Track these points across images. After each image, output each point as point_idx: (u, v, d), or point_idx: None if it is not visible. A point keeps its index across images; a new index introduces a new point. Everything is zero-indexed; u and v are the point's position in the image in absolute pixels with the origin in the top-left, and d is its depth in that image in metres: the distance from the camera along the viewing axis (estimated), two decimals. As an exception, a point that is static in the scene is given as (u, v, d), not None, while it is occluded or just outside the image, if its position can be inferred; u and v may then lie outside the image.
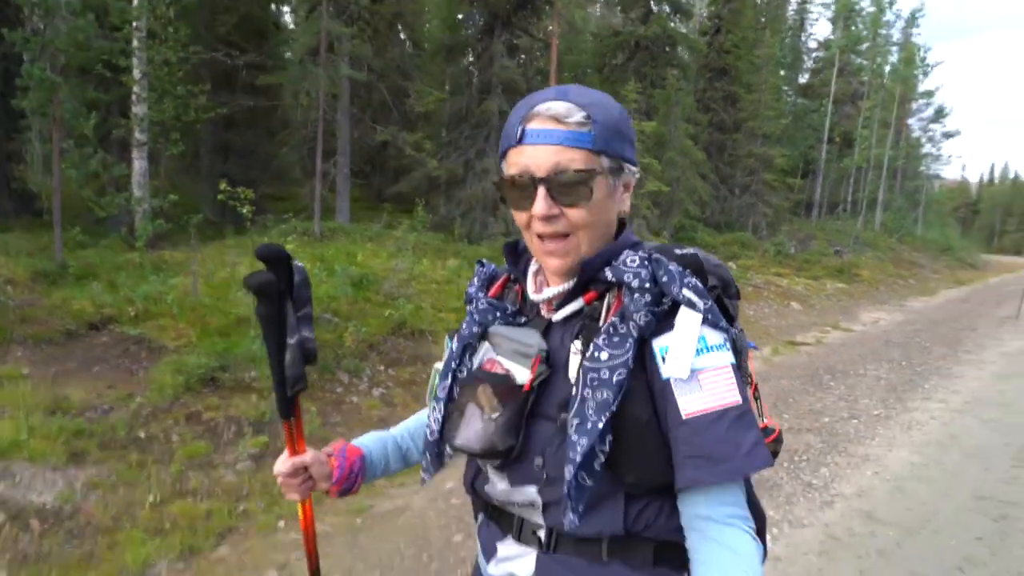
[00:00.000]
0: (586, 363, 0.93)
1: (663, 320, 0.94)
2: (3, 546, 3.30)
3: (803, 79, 23.47)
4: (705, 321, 0.93)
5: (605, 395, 0.91)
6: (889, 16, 22.28)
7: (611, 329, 0.94)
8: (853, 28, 21.50)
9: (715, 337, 0.94)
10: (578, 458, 0.90)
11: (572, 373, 0.97)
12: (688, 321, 0.92)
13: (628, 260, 0.97)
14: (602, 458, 0.92)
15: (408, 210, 11.53)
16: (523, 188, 0.96)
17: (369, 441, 1.23)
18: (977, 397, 6.41)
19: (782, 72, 21.33)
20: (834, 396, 6.33)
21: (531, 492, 1.01)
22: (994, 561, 3.33)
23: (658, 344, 0.93)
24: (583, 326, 1.00)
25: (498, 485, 1.05)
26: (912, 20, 22.83)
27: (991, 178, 68.82)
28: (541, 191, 0.94)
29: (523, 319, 1.07)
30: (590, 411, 0.91)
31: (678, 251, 1.00)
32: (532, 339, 1.01)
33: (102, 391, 5.01)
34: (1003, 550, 3.46)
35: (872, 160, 22.04)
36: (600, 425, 0.90)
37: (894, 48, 23.90)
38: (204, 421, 4.71)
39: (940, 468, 4.59)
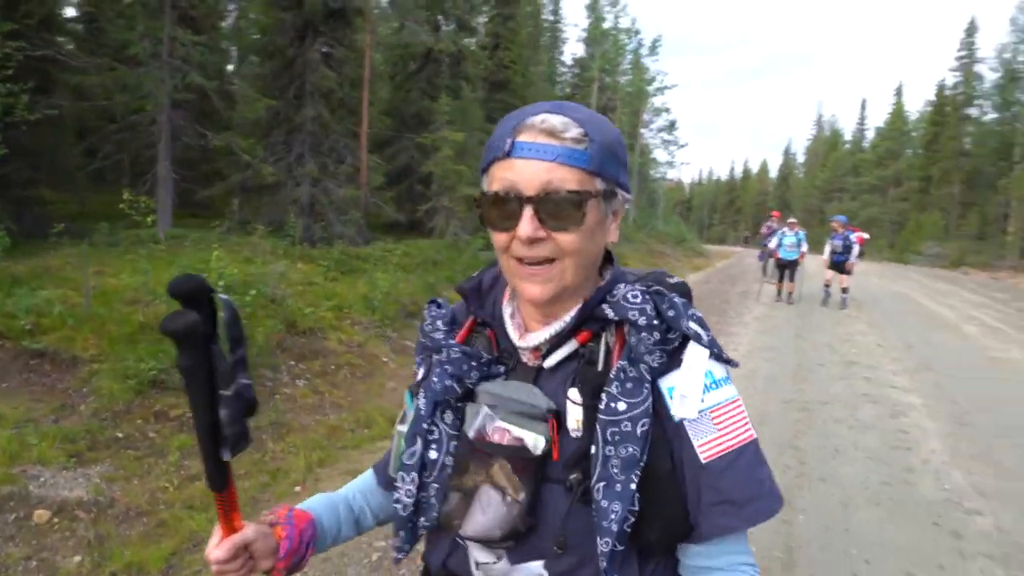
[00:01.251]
0: (603, 416, 0.87)
1: (671, 358, 0.90)
2: (64, 536, 3.76)
3: (562, 93, 26.87)
4: (711, 355, 0.91)
5: (631, 450, 0.85)
6: (633, 44, 26.84)
7: (623, 374, 0.88)
8: (606, 51, 25.43)
9: (720, 371, 0.92)
10: (614, 527, 0.84)
11: (572, 424, 0.90)
12: (696, 357, 0.90)
13: (629, 295, 0.91)
14: (631, 520, 0.86)
15: (220, 215, 11.70)
16: (507, 206, 0.88)
17: (317, 505, 1.08)
18: (754, 346, 8.98)
19: (550, 87, 24.35)
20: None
21: (536, 568, 0.92)
22: (810, 434, 5.40)
23: (665, 384, 0.90)
24: (577, 371, 0.93)
25: (490, 563, 0.95)
26: (652, 48, 27.54)
27: (700, 179, 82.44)
28: (528, 211, 0.86)
29: (502, 369, 0.98)
30: (615, 470, 0.85)
31: (670, 280, 0.97)
32: (536, 398, 0.92)
33: (31, 404, 5.19)
34: (813, 429, 5.57)
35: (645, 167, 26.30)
36: (632, 486, 0.85)
37: (630, 69, 28.45)
38: (174, 418, 5.19)
39: (754, 388, 6.75)
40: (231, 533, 0.93)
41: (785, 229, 13.20)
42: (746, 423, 0.91)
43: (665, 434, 0.89)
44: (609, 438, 0.86)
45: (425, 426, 0.96)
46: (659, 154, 34.29)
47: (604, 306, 0.92)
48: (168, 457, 4.65)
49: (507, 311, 0.99)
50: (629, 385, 0.87)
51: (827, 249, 13.16)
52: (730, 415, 0.90)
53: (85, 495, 4.08)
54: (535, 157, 0.86)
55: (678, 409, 0.89)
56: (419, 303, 9.85)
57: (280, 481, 4.61)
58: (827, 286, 13.42)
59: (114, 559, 3.50)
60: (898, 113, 47.08)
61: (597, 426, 0.87)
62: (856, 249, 12.81)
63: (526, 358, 0.97)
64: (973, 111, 37.68)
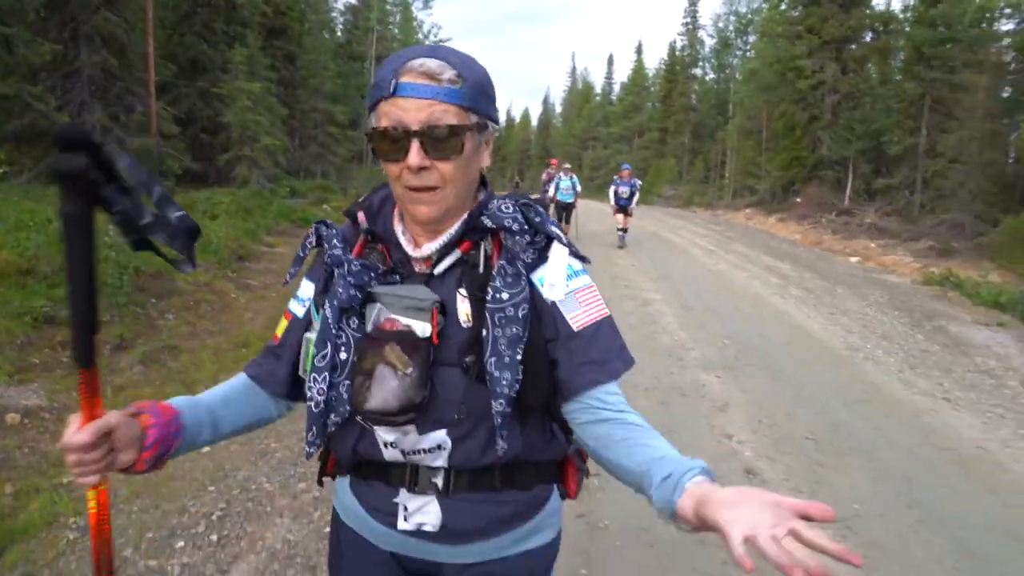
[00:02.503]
0: (490, 305, 1.05)
1: (539, 255, 1.11)
2: (39, 431, 4.72)
3: (337, 41, 27.25)
4: (570, 252, 1.14)
5: (515, 330, 1.05)
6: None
7: (504, 271, 1.07)
8: (382, 1, 26.28)
9: (576, 264, 1.14)
10: (506, 391, 1.03)
11: (463, 318, 1.08)
12: (559, 253, 1.12)
13: (502, 207, 1.10)
14: (517, 386, 1.04)
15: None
16: (396, 140, 1.00)
17: (181, 403, 1.09)
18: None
19: (327, 35, 24.69)
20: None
21: (440, 435, 1.09)
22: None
23: (536, 276, 1.10)
24: (463, 274, 1.11)
25: (401, 439, 1.11)
26: (426, 2, 28.91)
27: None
28: (415, 144, 0.99)
29: (397, 278, 1.12)
30: (504, 347, 1.04)
31: (529, 198, 1.16)
32: (421, 293, 1.08)
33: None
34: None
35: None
36: (518, 357, 1.04)
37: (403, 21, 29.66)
38: (81, 345, 5.99)
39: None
40: (93, 419, 0.91)
41: (561, 174, 14.68)
42: (602, 303, 1.13)
43: (541, 316, 1.09)
44: (497, 322, 1.04)
45: (334, 331, 1.06)
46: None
47: (483, 217, 1.09)
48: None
49: (399, 228, 1.13)
50: (509, 279, 1.06)
51: (612, 194, 14.27)
52: (590, 296, 1.12)
53: (42, 403, 4.95)
54: (417, 96, 0.98)
55: (549, 293, 1.09)
56: (246, 247, 10.73)
57: (195, 389, 5.72)
58: (620, 229, 14.47)
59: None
60: (639, 70, 53.35)
61: (486, 314, 1.04)
62: (637, 195, 14.45)
63: (418, 267, 1.12)
64: (697, 71, 44.50)
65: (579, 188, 14.62)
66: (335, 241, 1.13)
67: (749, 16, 37.50)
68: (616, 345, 1.13)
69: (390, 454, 1.14)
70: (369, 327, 1.09)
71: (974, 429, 4.79)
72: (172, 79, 16.13)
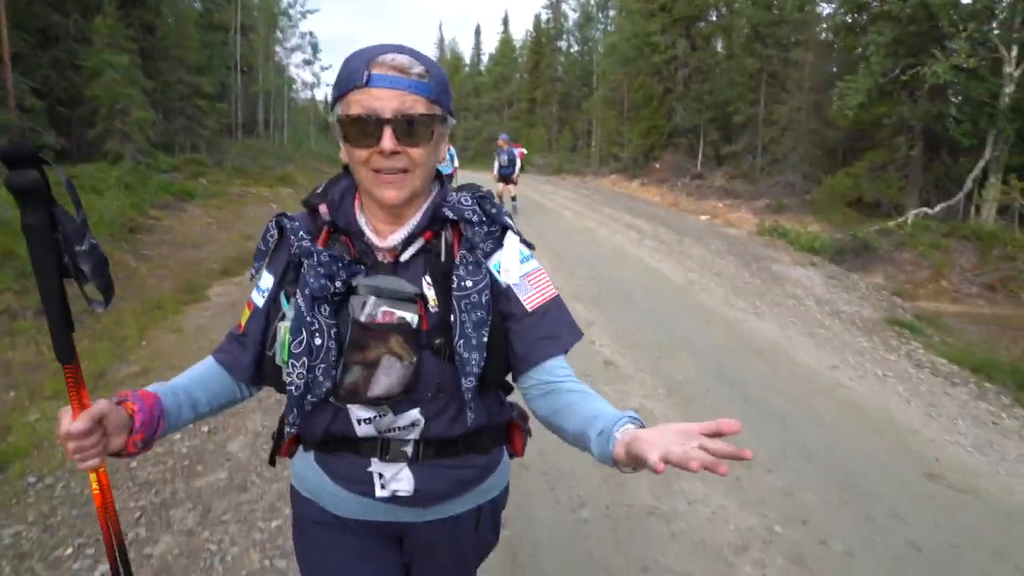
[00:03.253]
0: (456, 292, 1.16)
1: (495, 242, 1.24)
2: None
3: (202, 7, 26.42)
4: (520, 240, 1.27)
5: (480, 314, 1.17)
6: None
7: (466, 260, 1.18)
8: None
9: (526, 250, 1.27)
10: (476, 369, 1.16)
11: (431, 305, 1.19)
12: (512, 240, 1.25)
13: (462, 200, 1.23)
14: (483, 365, 1.17)
15: None
16: (367, 126, 1.10)
17: (159, 389, 1.19)
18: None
19: (187, 3, 23.93)
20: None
21: (414, 414, 1.21)
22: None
23: (491, 262, 1.22)
24: (427, 263, 1.21)
25: (378, 419, 1.21)
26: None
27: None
28: (388, 130, 1.09)
29: (362, 267, 1.21)
30: (470, 330, 1.16)
31: (482, 190, 1.29)
32: (402, 285, 1.19)
33: None
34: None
35: (273, 88, 27.29)
36: (485, 339, 1.17)
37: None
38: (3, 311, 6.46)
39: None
40: (82, 409, 0.99)
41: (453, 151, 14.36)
42: (550, 284, 1.28)
43: (497, 298, 1.22)
44: (463, 308, 1.16)
45: (308, 319, 1.14)
46: (305, 74, 35.58)
47: (444, 209, 1.21)
48: (27, 335, 6.08)
49: (362, 219, 1.23)
50: (471, 267, 1.18)
51: (496, 164, 14.41)
52: (540, 279, 1.27)
53: (-11, 360, 5.49)
54: (390, 87, 1.08)
55: (505, 277, 1.22)
56: (135, 220, 10.98)
57: (123, 348, 6.35)
58: (500, 197, 15.29)
59: (42, 388, 5.18)
60: (506, 41, 54.60)
61: (453, 301, 1.16)
62: (519, 163, 14.53)
63: (381, 256, 1.22)
64: (562, 44, 46.36)
65: (456, 160, 14.50)
66: (301, 233, 1.19)
67: (609, -9, 39.60)
68: (565, 321, 1.27)
69: (364, 430, 1.22)
70: (363, 318, 1.16)
71: (772, 332, 6.43)
72: (26, 51, 15.49)
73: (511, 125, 45.97)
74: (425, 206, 1.22)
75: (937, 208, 14.60)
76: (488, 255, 1.23)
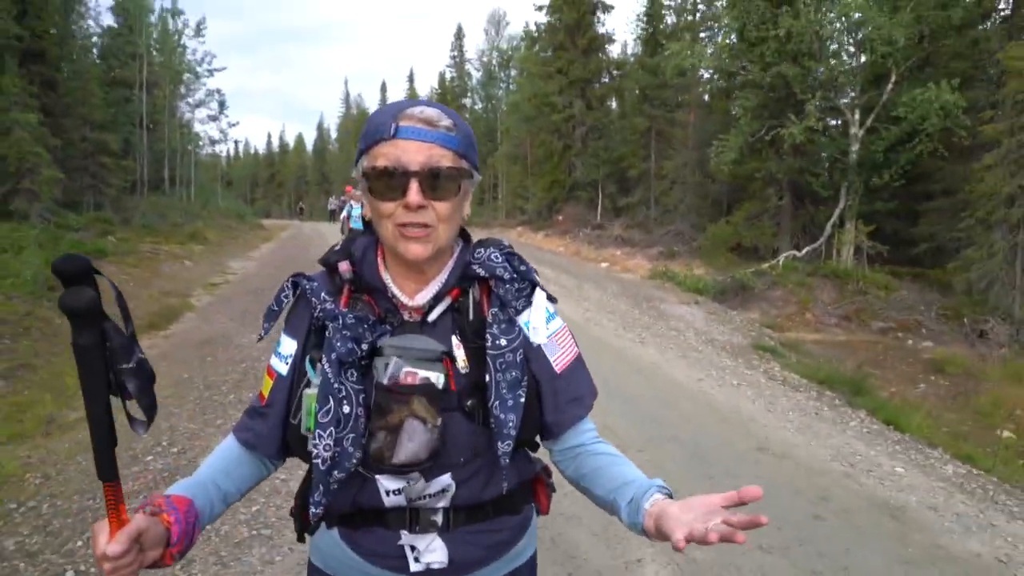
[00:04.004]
0: (491, 352, 1.14)
1: (526, 300, 1.21)
2: None
3: (105, 64, 26.44)
4: (547, 297, 1.25)
5: (515, 374, 1.15)
6: (179, 26, 28.08)
7: (498, 318, 1.17)
8: (151, 25, 26.11)
9: (551, 307, 1.26)
10: (512, 431, 1.12)
11: (461, 364, 1.15)
12: (540, 298, 1.23)
13: (492, 256, 1.19)
14: (519, 425, 1.14)
15: None
16: (394, 179, 1.08)
17: (187, 489, 1.13)
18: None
19: (90, 60, 24.00)
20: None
21: (445, 479, 1.15)
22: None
23: (521, 320, 1.20)
24: (456, 321, 1.18)
25: (408, 487, 1.15)
26: (198, 30, 28.90)
27: (236, 152, 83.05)
28: (414, 183, 1.06)
29: (388, 328, 1.16)
30: (505, 391, 1.13)
31: (506, 244, 1.24)
32: (429, 343, 1.14)
33: None
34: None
35: (179, 144, 27.47)
36: (522, 400, 1.14)
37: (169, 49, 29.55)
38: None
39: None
40: (120, 526, 0.94)
41: (352, 202, 15.12)
42: (574, 342, 1.27)
43: (528, 357, 1.19)
44: (498, 367, 1.13)
45: (335, 385, 1.09)
46: (211, 130, 35.85)
47: (473, 266, 1.18)
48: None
49: (387, 277, 1.19)
50: (504, 326, 1.16)
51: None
52: (565, 338, 1.26)
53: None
54: (417, 139, 1.07)
55: (535, 337, 1.21)
56: (52, 279, 11.23)
57: (66, 396, 6.85)
58: None
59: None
60: (411, 96, 56.41)
61: (488, 360, 1.13)
62: None
63: (407, 315, 1.18)
64: (467, 101, 48.44)
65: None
66: (323, 295, 1.16)
67: (510, 52, 42.02)
68: (588, 380, 1.29)
69: (392, 501, 1.17)
70: (385, 380, 1.11)
71: (653, 356, 7.67)
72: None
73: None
74: (452, 263, 1.20)
75: (804, 251, 16.68)
76: (518, 313, 1.21)
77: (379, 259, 1.21)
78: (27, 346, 8.03)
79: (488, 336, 1.15)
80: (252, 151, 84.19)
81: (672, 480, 4.18)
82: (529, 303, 1.22)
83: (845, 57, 17.65)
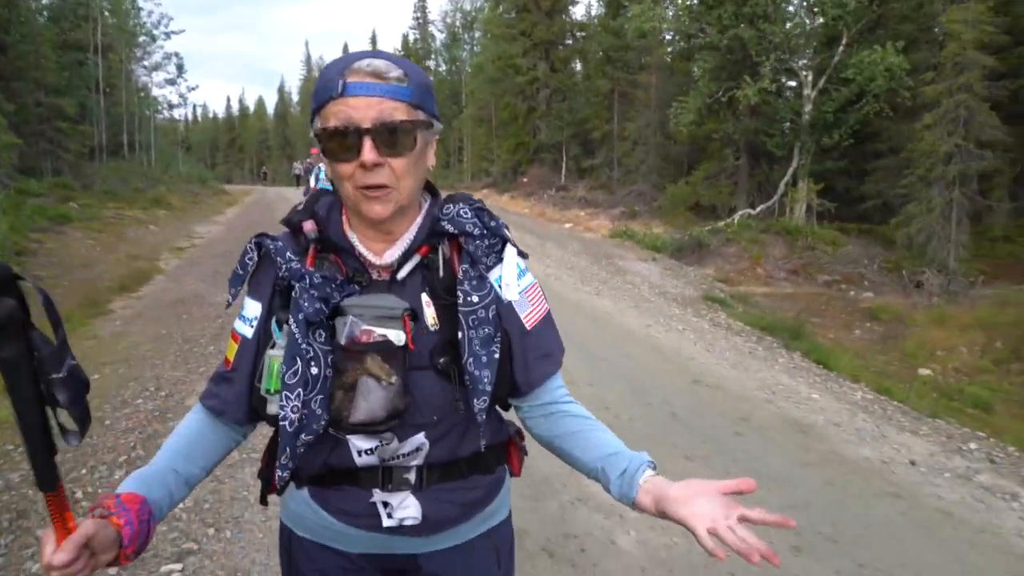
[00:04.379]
0: (463, 308, 1.12)
1: (496, 256, 1.20)
2: None
3: (57, 28, 25.79)
4: (517, 252, 1.23)
5: (487, 330, 1.14)
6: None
7: (468, 274, 1.15)
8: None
9: (523, 263, 1.24)
10: (488, 388, 1.13)
11: (430, 322, 1.13)
12: (511, 254, 1.21)
13: (461, 212, 1.17)
14: (493, 381, 1.14)
15: None
16: (347, 139, 1.04)
17: (141, 483, 1.09)
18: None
19: (42, 22, 23.44)
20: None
21: (419, 439, 1.15)
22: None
23: (492, 276, 1.18)
24: (426, 278, 1.16)
25: (382, 448, 1.15)
26: (152, -9, 28.32)
27: (195, 117, 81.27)
28: (368, 141, 1.02)
29: (356, 287, 1.14)
30: (478, 347, 1.13)
31: (475, 199, 1.23)
32: (391, 301, 1.10)
33: None
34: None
35: (137, 109, 27.01)
36: (496, 356, 1.15)
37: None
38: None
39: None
40: (66, 534, 0.92)
41: (321, 164, 16.59)
42: (543, 298, 1.26)
43: (499, 313, 1.18)
44: (471, 324, 1.12)
45: (303, 346, 1.07)
46: (170, 94, 35.22)
47: (442, 222, 1.16)
48: None
49: (353, 236, 1.16)
50: (475, 282, 1.15)
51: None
52: (536, 293, 1.24)
53: None
54: (367, 94, 1.02)
55: (507, 293, 1.19)
56: (19, 244, 11.40)
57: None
58: None
59: None
60: (376, 59, 55.69)
61: (460, 317, 1.12)
62: None
63: (376, 274, 1.16)
64: (431, 63, 48.07)
65: None
66: (288, 255, 1.13)
67: (473, 13, 41.76)
68: (557, 337, 1.27)
69: (364, 460, 1.17)
70: (343, 340, 1.09)
71: (607, 306, 8.25)
72: None
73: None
74: (420, 219, 1.18)
75: (758, 209, 17.36)
76: (489, 269, 1.19)
77: (344, 218, 1.19)
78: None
79: (459, 293, 1.14)
80: (211, 115, 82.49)
81: (615, 407, 4.75)
82: (500, 259, 1.21)
83: (801, 19, 18.17)
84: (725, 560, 0.89)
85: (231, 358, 1.20)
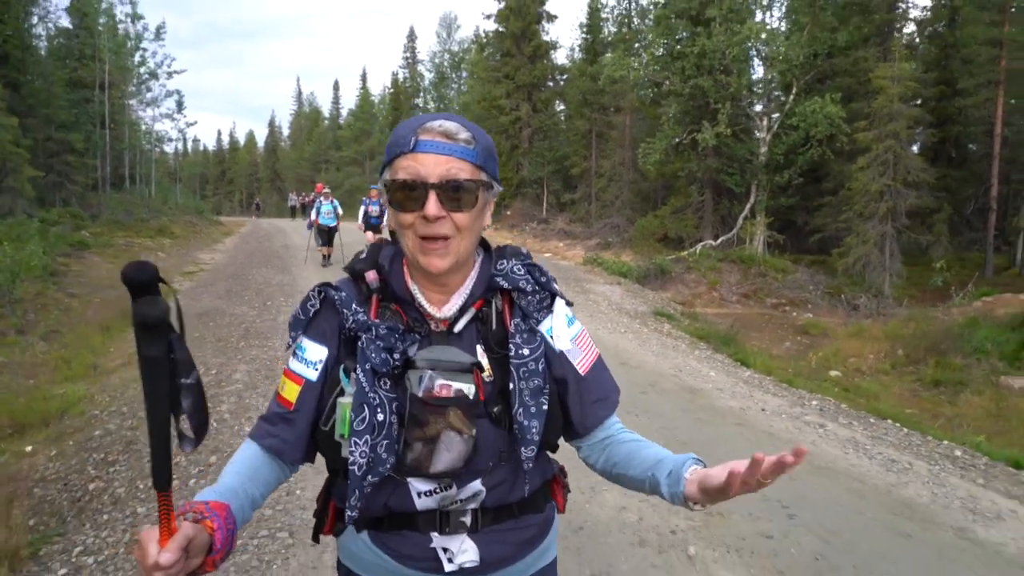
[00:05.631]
0: (515, 361, 1.21)
1: (546, 309, 1.29)
2: None
3: (66, 67, 27.62)
4: (566, 303, 1.33)
5: (537, 382, 1.21)
6: (139, 30, 29.54)
7: (520, 328, 1.24)
8: (107, 26, 27.51)
9: (570, 312, 1.34)
10: (536, 437, 1.20)
11: (486, 374, 1.23)
12: (560, 306, 1.31)
13: (514, 268, 1.27)
14: (541, 431, 1.21)
15: None
16: (413, 191, 1.13)
17: (220, 495, 1.13)
18: (311, 282, 14.95)
19: (53, 61, 25.26)
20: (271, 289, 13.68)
21: (476, 485, 1.23)
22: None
23: (543, 327, 1.27)
24: (480, 331, 1.26)
25: (438, 491, 1.22)
26: (157, 33, 30.31)
27: (186, 150, 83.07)
28: (433, 195, 1.12)
29: (417, 337, 1.22)
30: (528, 398, 1.20)
31: (524, 253, 1.33)
32: (460, 355, 1.19)
33: None
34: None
35: (138, 142, 28.95)
36: (544, 407, 1.21)
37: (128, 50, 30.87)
38: None
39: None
40: (170, 535, 0.96)
41: (321, 199, 15.70)
42: (593, 343, 1.34)
43: (551, 363, 1.27)
44: (521, 376, 1.20)
45: (371, 395, 1.15)
46: (169, 129, 36.97)
47: (496, 278, 1.25)
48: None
49: (414, 287, 1.25)
50: (526, 336, 1.23)
51: (362, 213, 15.00)
52: (586, 340, 1.34)
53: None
54: (436, 152, 1.13)
55: (559, 344, 1.28)
56: (51, 266, 12.95)
57: (97, 352, 8.72)
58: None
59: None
60: (365, 96, 57.70)
61: (511, 369, 1.20)
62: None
63: (435, 326, 1.25)
64: (419, 101, 50.31)
65: (340, 211, 16.06)
66: (354, 306, 1.22)
67: (461, 55, 44.14)
68: (610, 379, 1.36)
69: (424, 503, 1.23)
70: (420, 392, 1.16)
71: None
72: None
73: (375, 177, 48.29)
74: (475, 274, 1.26)
75: (719, 240, 19.25)
76: (539, 322, 1.27)
77: (405, 269, 1.27)
78: (52, 317, 9.87)
79: (511, 346, 1.22)
80: (202, 148, 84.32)
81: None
82: (550, 311, 1.30)
83: (756, 69, 20.33)
84: (760, 458, 0.96)
85: (292, 399, 1.24)
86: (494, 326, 1.26)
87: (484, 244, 1.33)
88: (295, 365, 1.26)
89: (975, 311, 11.03)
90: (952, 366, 9.36)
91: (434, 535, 1.24)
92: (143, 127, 32.92)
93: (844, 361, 10.47)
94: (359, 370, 1.16)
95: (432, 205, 1.12)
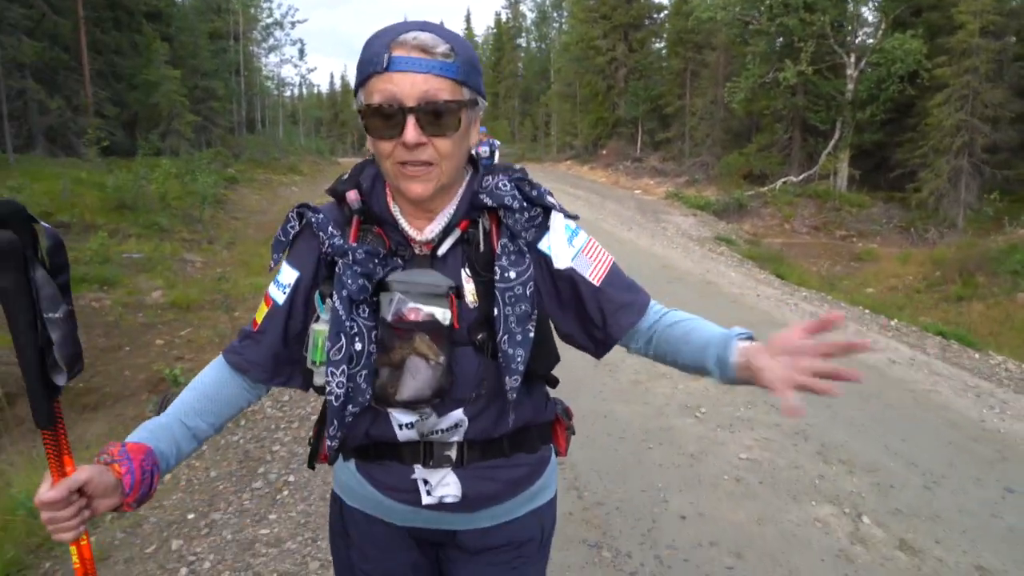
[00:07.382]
0: (500, 285, 1.12)
1: (540, 226, 1.20)
2: None
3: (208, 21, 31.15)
4: (564, 215, 1.22)
5: (524, 307, 1.13)
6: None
7: (507, 250, 1.14)
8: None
9: (572, 224, 1.23)
10: (520, 366, 1.13)
11: (470, 299, 1.15)
12: (558, 221, 1.20)
13: (499, 184, 1.16)
14: (527, 360, 1.14)
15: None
16: (390, 117, 1.03)
17: (149, 434, 1.12)
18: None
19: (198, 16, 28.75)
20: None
21: (458, 415, 1.18)
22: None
23: (543, 246, 1.19)
24: (466, 254, 1.17)
25: (420, 422, 1.18)
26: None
27: (302, 94, 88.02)
28: (411, 120, 1.02)
29: (399, 261, 1.16)
30: (514, 324, 1.12)
31: (516, 168, 1.24)
32: (436, 279, 1.13)
33: None
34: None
35: (268, 89, 32.42)
36: (530, 335, 1.14)
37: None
38: None
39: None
40: (62, 476, 0.95)
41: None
42: (604, 251, 1.26)
43: (557, 283, 1.20)
44: (507, 300, 1.12)
45: (347, 323, 1.10)
46: (291, 73, 40.13)
47: (480, 195, 1.15)
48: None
49: (396, 209, 1.17)
50: (514, 257, 1.14)
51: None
52: (595, 250, 1.23)
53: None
54: (412, 70, 1.01)
55: (560, 261, 1.18)
56: (216, 195, 15.97)
57: (257, 261, 11.40)
58: None
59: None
60: (469, 37, 59.50)
61: (496, 293, 1.12)
62: (497, 155, 19.11)
63: (418, 249, 1.17)
64: (522, 41, 51.67)
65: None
66: (330, 229, 1.15)
67: (562, -6, 44.99)
68: (630, 283, 1.25)
69: (405, 435, 1.20)
70: (389, 317, 1.12)
71: (632, 237, 11.81)
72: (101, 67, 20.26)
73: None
74: (459, 195, 1.18)
75: (800, 177, 20.28)
76: (536, 240, 1.19)
77: (387, 190, 1.19)
78: (226, 233, 12.76)
79: (497, 269, 1.14)
80: (315, 91, 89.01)
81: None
82: (546, 228, 1.20)
83: (850, 4, 20.77)
84: (803, 413, 0.91)
85: (259, 320, 1.22)
86: (481, 248, 1.18)
87: (473, 162, 1.25)
88: (271, 287, 1.23)
89: (1019, 238, 12.02)
90: (976, 284, 10.67)
91: (417, 467, 1.22)
92: (270, 74, 36.44)
93: (884, 280, 11.89)
94: (335, 297, 1.12)
95: (411, 131, 1.03)
